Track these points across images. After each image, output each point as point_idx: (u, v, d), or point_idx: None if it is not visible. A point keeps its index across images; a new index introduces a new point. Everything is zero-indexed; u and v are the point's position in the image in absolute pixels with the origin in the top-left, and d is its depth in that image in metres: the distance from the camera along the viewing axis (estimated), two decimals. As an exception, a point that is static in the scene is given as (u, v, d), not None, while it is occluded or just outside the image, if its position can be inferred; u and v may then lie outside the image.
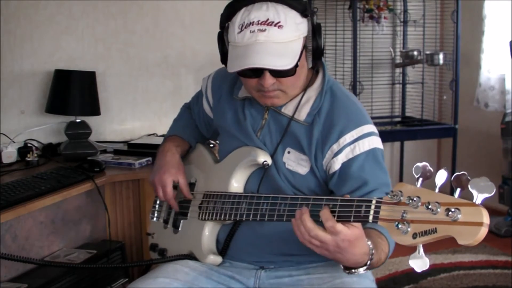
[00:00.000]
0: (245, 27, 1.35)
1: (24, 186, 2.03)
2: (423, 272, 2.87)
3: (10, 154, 2.52)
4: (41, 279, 2.07)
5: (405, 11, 3.86)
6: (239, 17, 1.37)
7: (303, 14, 1.37)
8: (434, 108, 3.95)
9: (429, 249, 3.26)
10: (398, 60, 3.86)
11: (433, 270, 2.96)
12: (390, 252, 1.34)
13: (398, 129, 3.78)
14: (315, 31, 1.40)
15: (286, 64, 1.34)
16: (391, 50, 3.89)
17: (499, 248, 3.26)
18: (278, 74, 1.37)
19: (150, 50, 3.10)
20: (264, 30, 1.33)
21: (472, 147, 3.95)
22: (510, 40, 3.33)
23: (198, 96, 1.76)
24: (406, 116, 3.99)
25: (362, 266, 1.23)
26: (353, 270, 1.24)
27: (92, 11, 2.91)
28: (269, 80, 1.38)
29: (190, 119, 1.79)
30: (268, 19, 1.33)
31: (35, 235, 2.23)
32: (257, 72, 1.37)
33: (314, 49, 1.41)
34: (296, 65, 1.36)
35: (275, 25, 1.33)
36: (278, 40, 1.33)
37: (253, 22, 1.34)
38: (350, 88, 3.49)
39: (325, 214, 1.19)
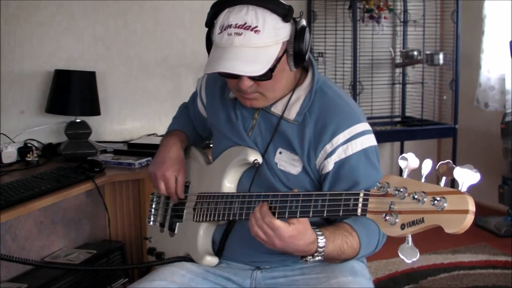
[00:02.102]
0: (224, 29, 1.35)
1: (24, 186, 2.03)
2: (423, 271, 2.89)
3: (10, 154, 2.53)
4: (41, 279, 2.07)
5: (405, 11, 3.85)
6: (221, 18, 1.38)
7: (285, 19, 1.36)
8: (434, 108, 3.95)
9: (429, 249, 3.27)
10: (398, 60, 3.85)
11: (433, 270, 2.96)
12: (363, 249, 1.38)
13: (398, 129, 3.77)
14: (297, 36, 1.39)
15: (256, 70, 1.34)
16: (391, 50, 3.89)
17: (499, 248, 3.26)
18: (254, 77, 1.37)
19: (150, 50, 3.10)
20: (241, 34, 1.33)
21: (472, 147, 3.95)
22: (510, 40, 3.33)
23: (193, 97, 1.77)
24: (406, 116, 3.98)
25: (313, 254, 1.30)
26: (305, 259, 1.32)
27: (92, 11, 2.91)
28: (245, 82, 1.39)
29: (188, 118, 1.80)
30: (245, 23, 1.33)
31: (35, 235, 2.23)
32: (235, 74, 1.37)
33: (296, 54, 1.40)
34: (272, 70, 1.36)
35: (251, 30, 1.33)
36: (254, 45, 1.33)
37: (231, 25, 1.34)
38: (350, 88, 3.48)
39: (263, 210, 1.28)
